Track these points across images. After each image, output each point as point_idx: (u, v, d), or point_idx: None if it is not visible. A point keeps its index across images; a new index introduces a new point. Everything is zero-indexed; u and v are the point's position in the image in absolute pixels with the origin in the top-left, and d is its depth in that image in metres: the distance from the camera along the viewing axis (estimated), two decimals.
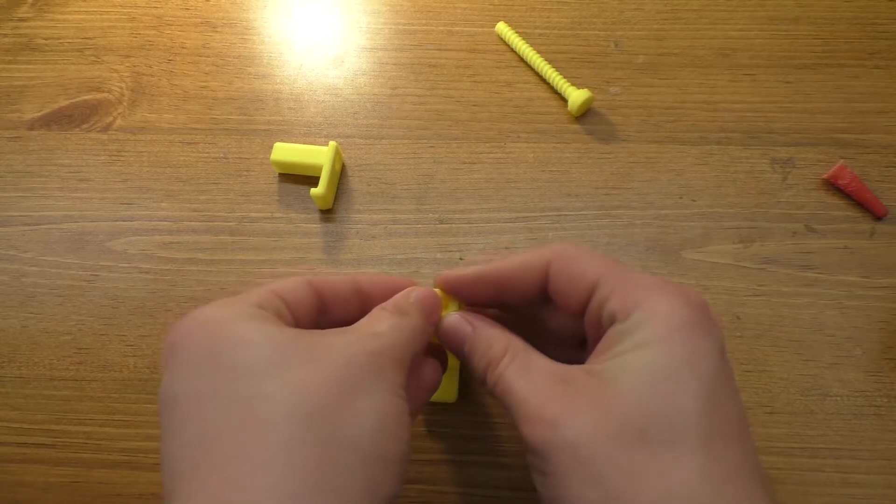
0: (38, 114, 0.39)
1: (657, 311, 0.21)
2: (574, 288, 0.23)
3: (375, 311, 0.24)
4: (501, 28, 0.39)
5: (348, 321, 0.24)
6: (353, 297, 0.25)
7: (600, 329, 0.23)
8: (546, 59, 0.38)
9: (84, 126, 0.39)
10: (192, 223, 0.36)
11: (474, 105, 0.38)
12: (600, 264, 0.23)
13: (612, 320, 0.22)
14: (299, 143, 0.37)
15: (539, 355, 0.23)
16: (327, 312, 0.24)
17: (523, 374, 0.22)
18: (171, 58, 0.40)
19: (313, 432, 0.18)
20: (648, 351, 0.20)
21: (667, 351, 0.20)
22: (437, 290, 0.27)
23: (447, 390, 0.31)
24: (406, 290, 0.25)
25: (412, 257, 0.35)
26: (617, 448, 0.19)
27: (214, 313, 0.21)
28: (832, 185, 0.35)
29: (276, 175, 0.37)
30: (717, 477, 0.19)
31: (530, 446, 0.21)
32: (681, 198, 0.36)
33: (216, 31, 0.41)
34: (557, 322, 0.26)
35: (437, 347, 0.28)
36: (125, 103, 0.39)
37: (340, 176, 0.37)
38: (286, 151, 0.36)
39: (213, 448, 0.18)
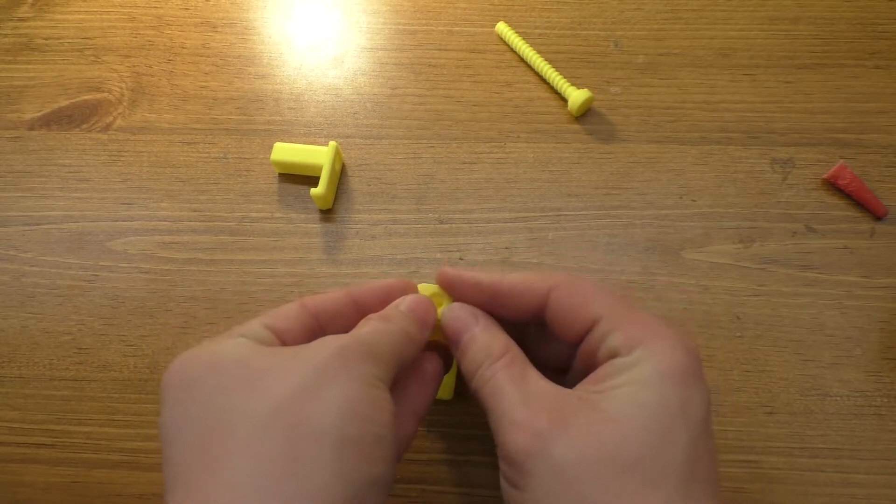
0: (38, 114, 0.39)
1: (659, 352, 0.21)
2: (576, 317, 0.23)
3: (362, 321, 0.24)
4: (501, 28, 0.39)
5: None
6: (350, 311, 0.25)
7: (595, 360, 0.23)
8: (546, 59, 0.38)
9: (84, 126, 0.39)
10: (192, 223, 0.36)
11: (474, 105, 0.38)
12: (607, 299, 0.23)
13: (614, 354, 0.22)
14: (299, 143, 0.37)
15: (534, 369, 0.23)
16: (325, 330, 0.24)
17: (518, 379, 0.22)
18: (171, 58, 0.40)
19: (275, 428, 0.18)
20: (648, 390, 0.21)
21: (664, 394, 0.20)
22: (436, 288, 0.27)
23: (444, 387, 0.31)
24: (398, 300, 0.25)
25: (412, 257, 0.35)
26: (606, 475, 0.19)
27: (196, 350, 0.22)
28: (832, 185, 0.35)
29: (276, 175, 0.37)
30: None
31: (510, 454, 0.21)
32: (681, 198, 0.36)
33: (216, 31, 0.41)
34: (543, 345, 0.26)
35: (441, 347, 0.28)
36: (125, 103, 0.39)
37: (340, 176, 0.37)
38: (286, 151, 0.36)
39: (186, 466, 0.19)
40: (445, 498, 0.31)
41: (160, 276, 0.35)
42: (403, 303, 0.25)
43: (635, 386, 0.21)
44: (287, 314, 0.23)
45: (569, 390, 0.22)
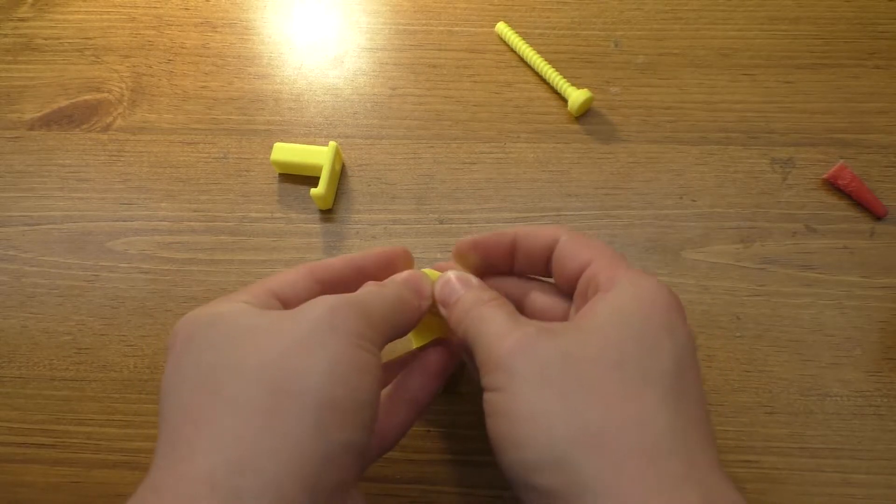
0: (38, 114, 0.39)
1: (641, 286, 0.22)
2: (574, 259, 0.24)
3: (360, 289, 0.24)
4: (501, 28, 0.39)
5: None
6: (355, 277, 0.25)
7: (586, 301, 0.23)
8: (546, 59, 0.38)
9: (84, 126, 0.39)
10: (192, 223, 0.36)
11: (474, 105, 0.38)
12: (602, 248, 0.24)
13: (597, 290, 0.23)
14: (299, 143, 0.37)
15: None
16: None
17: (508, 309, 0.23)
18: (171, 58, 0.40)
19: (261, 383, 0.19)
20: (633, 310, 0.21)
21: (648, 315, 0.21)
22: (438, 274, 0.27)
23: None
24: (395, 275, 0.26)
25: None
26: (592, 371, 0.20)
27: (198, 310, 0.22)
28: (832, 185, 0.35)
29: (276, 175, 0.37)
30: (684, 423, 0.19)
31: (496, 360, 0.21)
32: (681, 198, 0.36)
33: (216, 31, 0.41)
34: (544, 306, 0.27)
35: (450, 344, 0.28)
36: (125, 103, 0.39)
37: (340, 176, 0.37)
38: (286, 151, 0.36)
39: (173, 424, 0.20)
40: (445, 498, 0.31)
41: (160, 276, 0.35)
42: (400, 275, 0.25)
43: (620, 307, 0.21)
44: (294, 281, 0.24)
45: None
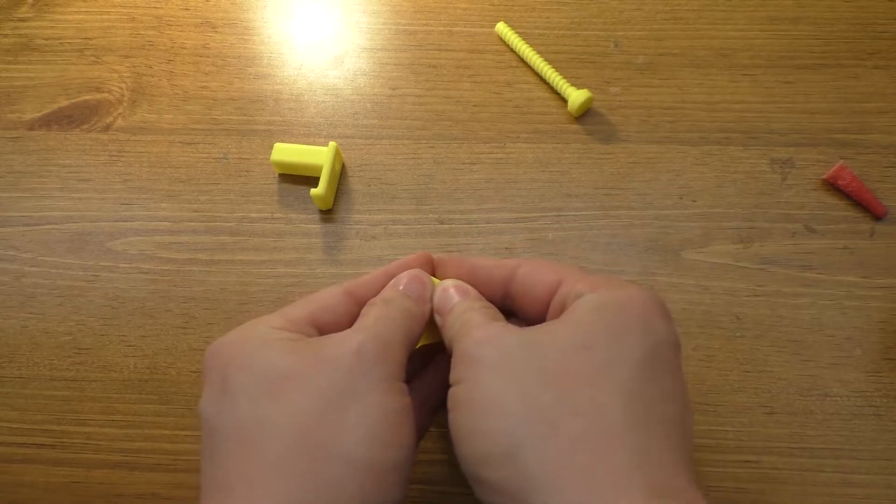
0: (38, 114, 0.39)
1: (621, 287, 0.22)
2: (542, 282, 0.24)
3: (365, 308, 0.24)
4: (501, 28, 0.39)
5: None
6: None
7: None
8: (546, 59, 0.38)
9: (84, 126, 0.39)
10: (192, 223, 0.36)
11: (474, 105, 0.38)
12: (568, 267, 0.24)
13: (578, 297, 0.22)
14: (299, 143, 0.37)
15: None
16: None
17: (491, 314, 0.23)
18: (171, 58, 0.40)
19: (304, 448, 0.19)
20: (606, 306, 0.21)
21: (622, 307, 0.21)
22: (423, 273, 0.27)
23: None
24: (395, 279, 0.26)
25: None
26: (552, 355, 0.20)
27: (234, 338, 0.23)
28: (832, 186, 0.35)
29: (276, 175, 0.37)
30: (645, 416, 0.19)
31: (464, 351, 0.21)
32: (681, 198, 0.36)
33: (216, 32, 0.41)
34: None
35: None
36: (125, 103, 0.39)
37: (340, 176, 0.37)
38: (286, 152, 0.36)
39: (221, 468, 0.20)
40: (445, 498, 0.31)
41: (160, 277, 0.35)
42: (400, 281, 0.25)
43: (597, 304, 0.21)
44: (333, 307, 0.24)
45: None
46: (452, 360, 0.22)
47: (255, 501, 0.19)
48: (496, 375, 0.20)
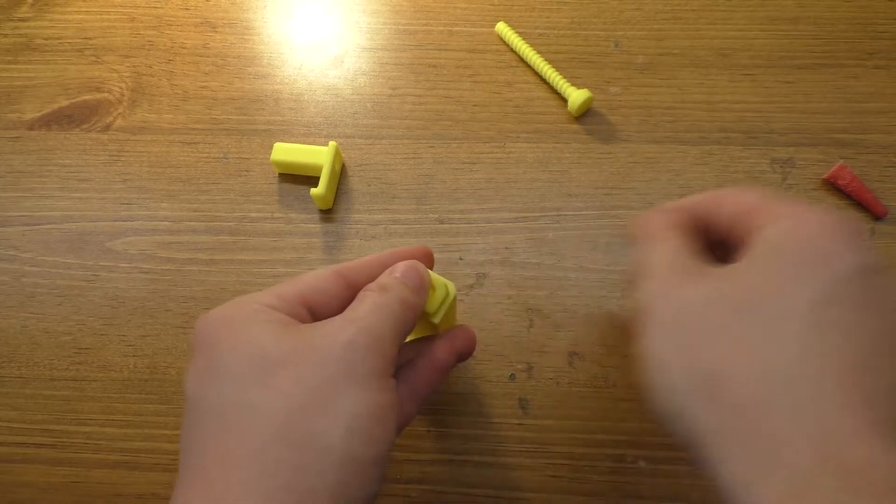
0: (38, 114, 0.39)
1: (802, 216, 0.20)
2: (732, 205, 0.23)
3: (361, 293, 0.24)
4: (501, 28, 0.39)
5: None
6: (378, 274, 0.25)
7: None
8: (546, 59, 0.38)
9: (84, 126, 0.39)
10: (192, 223, 0.36)
11: (474, 105, 0.38)
12: (760, 191, 0.23)
13: (760, 230, 0.21)
14: (299, 143, 0.37)
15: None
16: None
17: (680, 243, 0.23)
18: (171, 58, 0.40)
19: (287, 438, 0.20)
20: (783, 245, 0.19)
21: (801, 247, 0.19)
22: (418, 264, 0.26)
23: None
24: (392, 266, 0.25)
25: None
26: (717, 314, 0.19)
27: (225, 313, 0.23)
28: (832, 186, 0.35)
29: (276, 175, 0.37)
30: (818, 371, 0.17)
31: (644, 299, 0.21)
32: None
33: (216, 31, 0.41)
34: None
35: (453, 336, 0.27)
36: (125, 103, 0.39)
37: (340, 176, 0.37)
38: (286, 151, 0.36)
39: (200, 448, 0.20)
40: (445, 498, 0.31)
41: (160, 276, 0.35)
42: (397, 269, 0.25)
43: (775, 243, 0.20)
44: (325, 289, 0.24)
45: None
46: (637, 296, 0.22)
47: (232, 486, 0.19)
48: (664, 335, 0.20)
